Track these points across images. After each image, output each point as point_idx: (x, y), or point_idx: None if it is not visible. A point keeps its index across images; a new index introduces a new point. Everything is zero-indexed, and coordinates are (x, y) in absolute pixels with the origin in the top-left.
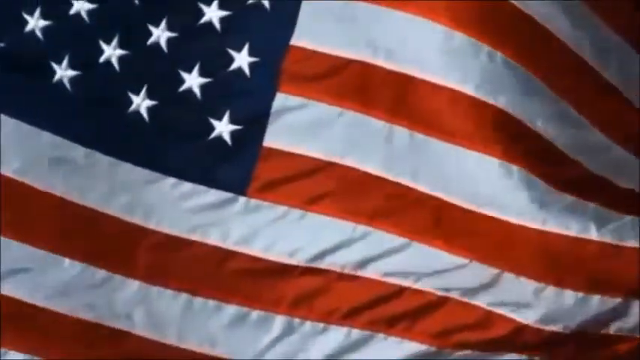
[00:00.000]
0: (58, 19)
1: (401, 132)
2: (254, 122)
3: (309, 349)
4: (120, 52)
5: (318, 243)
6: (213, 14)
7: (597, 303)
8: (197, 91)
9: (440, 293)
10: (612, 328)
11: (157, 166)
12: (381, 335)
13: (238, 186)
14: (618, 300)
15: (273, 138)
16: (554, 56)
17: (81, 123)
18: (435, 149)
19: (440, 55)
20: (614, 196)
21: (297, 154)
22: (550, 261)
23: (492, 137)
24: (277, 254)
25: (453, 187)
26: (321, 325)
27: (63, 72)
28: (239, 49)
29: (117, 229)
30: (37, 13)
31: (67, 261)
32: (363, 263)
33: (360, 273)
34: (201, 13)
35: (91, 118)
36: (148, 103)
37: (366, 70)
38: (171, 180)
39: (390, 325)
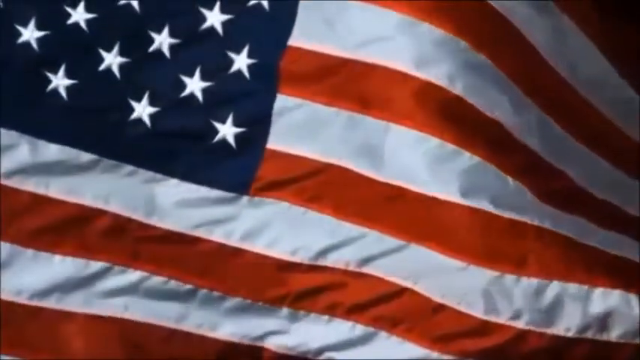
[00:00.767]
0: (55, 29)
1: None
2: (257, 124)
3: (314, 338)
4: (120, 59)
5: (319, 241)
6: (215, 19)
7: (599, 296)
8: (199, 95)
9: (437, 299)
10: (614, 334)
11: (160, 170)
12: (384, 334)
13: (241, 187)
14: (617, 292)
15: (275, 139)
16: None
17: (80, 131)
18: None
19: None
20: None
21: (297, 155)
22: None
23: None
24: (280, 252)
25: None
26: (326, 316)
27: (59, 81)
28: (239, 52)
29: (116, 223)
30: (32, 24)
31: (57, 257)
32: (366, 261)
33: (365, 270)
34: (204, 18)
35: (90, 127)
36: (150, 110)
37: (362, 71)
38: (174, 180)
39: (393, 324)
